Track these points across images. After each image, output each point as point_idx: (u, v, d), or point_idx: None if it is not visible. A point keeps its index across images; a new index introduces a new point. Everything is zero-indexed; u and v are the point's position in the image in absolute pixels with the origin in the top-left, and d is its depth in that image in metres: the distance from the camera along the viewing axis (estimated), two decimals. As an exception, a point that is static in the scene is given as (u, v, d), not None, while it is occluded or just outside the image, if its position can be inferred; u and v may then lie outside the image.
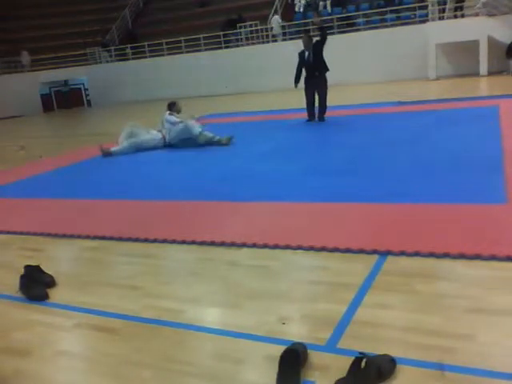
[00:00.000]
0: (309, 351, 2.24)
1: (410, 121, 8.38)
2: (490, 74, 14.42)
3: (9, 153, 10.02)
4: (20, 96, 21.18)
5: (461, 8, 15.38)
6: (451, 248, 3.15)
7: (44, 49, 22.37)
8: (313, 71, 9.26)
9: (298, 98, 10.06)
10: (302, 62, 9.41)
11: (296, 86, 9.51)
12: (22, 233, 4.52)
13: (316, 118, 9.33)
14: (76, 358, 2.50)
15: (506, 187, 4.24)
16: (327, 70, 9.21)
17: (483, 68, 14.52)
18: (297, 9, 19.31)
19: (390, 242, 3.38)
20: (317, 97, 9.29)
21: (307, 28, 18.33)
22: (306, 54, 9.30)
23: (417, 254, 3.17)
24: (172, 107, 8.55)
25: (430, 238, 3.37)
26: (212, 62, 19.76)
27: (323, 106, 9.31)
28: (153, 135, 8.34)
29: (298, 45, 17.55)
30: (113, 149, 8.10)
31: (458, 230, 3.47)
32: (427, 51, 15.26)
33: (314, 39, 9.48)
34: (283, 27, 18.83)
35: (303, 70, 9.43)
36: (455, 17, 15.26)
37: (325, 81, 9.25)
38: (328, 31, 9.50)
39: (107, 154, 8.01)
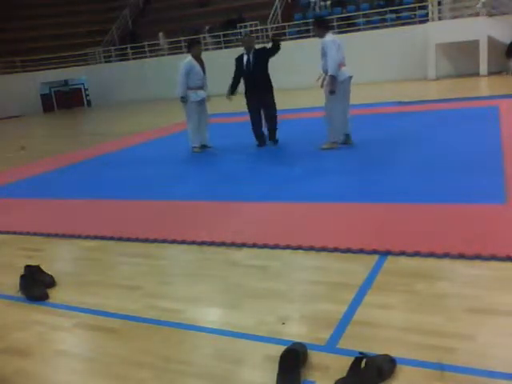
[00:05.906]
0: (309, 351, 2.24)
1: (410, 121, 8.37)
2: (490, 73, 14.40)
3: (9, 153, 10.02)
4: (20, 96, 21.14)
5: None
6: (451, 248, 3.15)
7: (44, 49, 22.34)
8: (254, 83, 7.32)
9: (303, 98, 10.05)
10: (240, 69, 7.49)
11: (228, 96, 7.54)
12: (21, 233, 4.53)
13: (268, 140, 7.57)
14: (76, 357, 2.50)
15: (505, 187, 4.24)
16: (272, 86, 7.40)
17: (483, 68, 14.51)
18: None
19: (390, 241, 3.38)
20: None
21: (308, 28, 18.34)
22: (245, 58, 7.40)
23: (417, 254, 3.17)
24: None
25: (430, 238, 3.37)
26: (213, 62, 19.72)
27: (273, 126, 7.54)
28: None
29: (298, 44, 17.66)
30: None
31: (458, 229, 3.47)
32: (427, 51, 15.25)
33: (262, 45, 7.78)
34: (283, 27, 18.82)
35: (242, 80, 7.51)
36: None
37: (272, 98, 7.37)
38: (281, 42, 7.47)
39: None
